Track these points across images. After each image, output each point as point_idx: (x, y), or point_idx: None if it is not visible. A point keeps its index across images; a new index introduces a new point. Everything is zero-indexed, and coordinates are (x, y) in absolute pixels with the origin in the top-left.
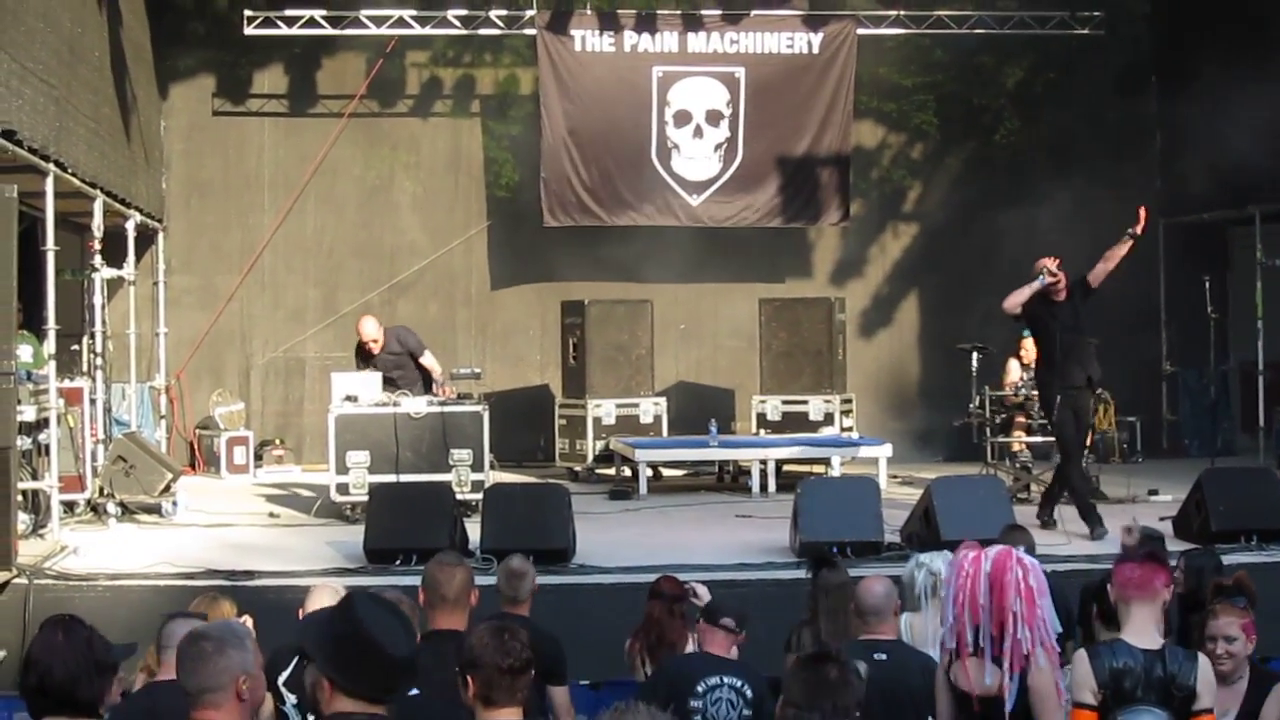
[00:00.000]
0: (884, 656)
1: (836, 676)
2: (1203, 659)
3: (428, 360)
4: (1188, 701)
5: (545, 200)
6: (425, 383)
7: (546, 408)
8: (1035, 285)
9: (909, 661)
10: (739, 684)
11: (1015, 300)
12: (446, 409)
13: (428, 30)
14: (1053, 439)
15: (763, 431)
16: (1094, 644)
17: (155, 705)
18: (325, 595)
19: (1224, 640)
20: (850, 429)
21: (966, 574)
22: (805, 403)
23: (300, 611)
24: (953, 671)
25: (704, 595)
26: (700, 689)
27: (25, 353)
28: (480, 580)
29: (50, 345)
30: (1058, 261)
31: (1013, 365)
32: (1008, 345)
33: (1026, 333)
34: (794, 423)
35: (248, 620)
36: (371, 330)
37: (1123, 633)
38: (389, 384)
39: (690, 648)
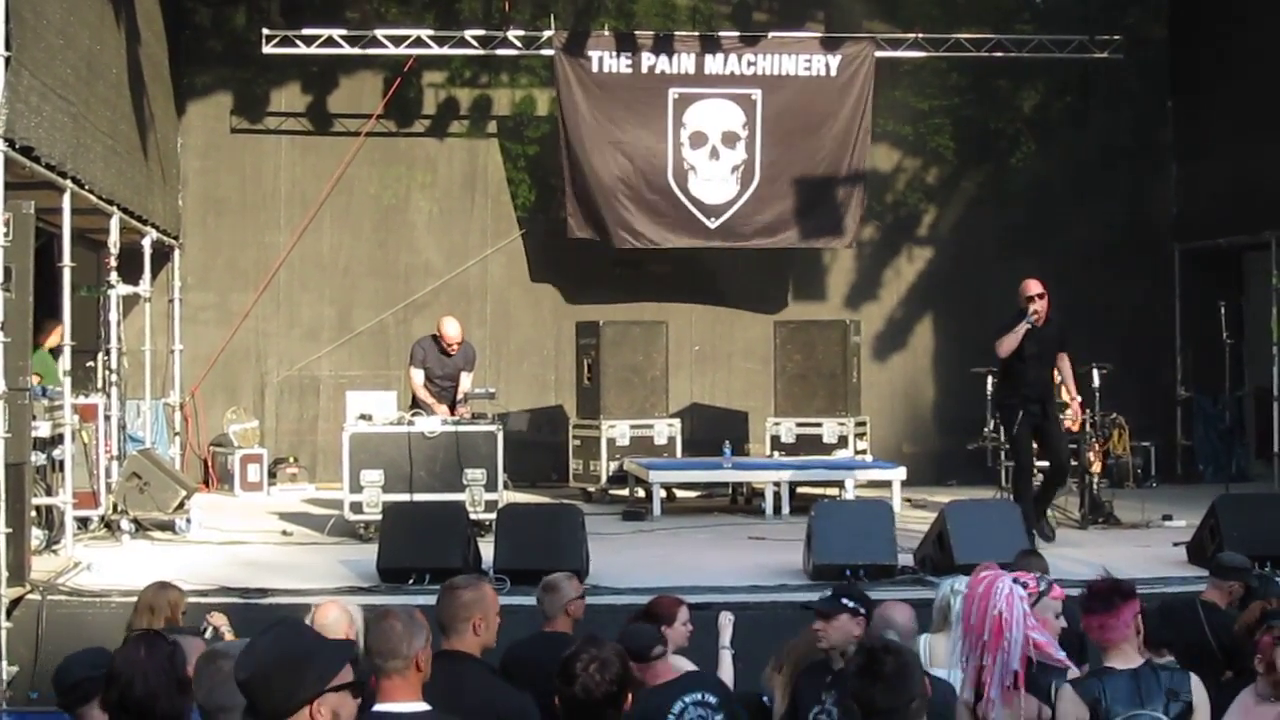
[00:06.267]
0: None
1: (892, 667)
2: (1194, 676)
3: (467, 379)
4: (1185, 714)
5: (569, 215)
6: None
7: (560, 428)
8: (1024, 327)
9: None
10: (700, 695)
11: (1008, 345)
12: (460, 429)
13: (445, 50)
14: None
15: (776, 454)
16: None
17: None
18: (333, 610)
19: None
20: (864, 452)
21: (972, 601)
22: (819, 425)
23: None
24: (970, 700)
25: (724, 624)
26: (671, 719)
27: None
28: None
29: (65, 361)
30: (1042, 290)
31: None
32: None
33: None
34: (808, 445)
35: (215, 621)
36: (455, 332)
37: (1105, 660)
38: (435, 390)
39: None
